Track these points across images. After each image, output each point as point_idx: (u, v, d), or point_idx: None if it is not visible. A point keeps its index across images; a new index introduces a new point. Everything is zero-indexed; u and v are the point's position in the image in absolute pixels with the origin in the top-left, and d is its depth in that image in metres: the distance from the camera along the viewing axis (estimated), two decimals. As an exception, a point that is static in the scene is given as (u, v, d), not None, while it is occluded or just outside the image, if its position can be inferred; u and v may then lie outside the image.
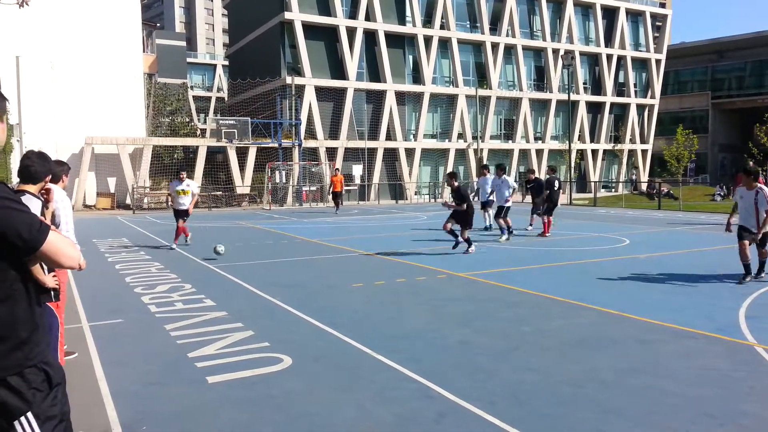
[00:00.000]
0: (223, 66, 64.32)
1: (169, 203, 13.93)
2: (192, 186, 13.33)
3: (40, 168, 4.13)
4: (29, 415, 1.99)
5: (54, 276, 3.66)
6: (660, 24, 51.62)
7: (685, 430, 3.92)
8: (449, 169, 40.18)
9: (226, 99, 53.95)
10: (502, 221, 14.43)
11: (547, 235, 14.98)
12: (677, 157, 44.75)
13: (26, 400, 1.98)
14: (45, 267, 3.50)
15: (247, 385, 4.75)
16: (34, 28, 27.74)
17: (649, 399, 4.44)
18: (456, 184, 11.91)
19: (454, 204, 11.80)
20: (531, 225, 16.51)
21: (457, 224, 11.90)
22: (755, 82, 58.04)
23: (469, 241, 11.95)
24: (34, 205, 3.83)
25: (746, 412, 4.20)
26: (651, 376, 4.93)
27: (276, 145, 32.72)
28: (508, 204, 14.61)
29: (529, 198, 18.10)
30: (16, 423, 1.96)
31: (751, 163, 17.55)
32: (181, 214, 13.09)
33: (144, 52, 36.71)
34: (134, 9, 32.26)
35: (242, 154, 32.38)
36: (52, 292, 3.84)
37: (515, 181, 21.90)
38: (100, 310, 7.38)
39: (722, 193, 37.13)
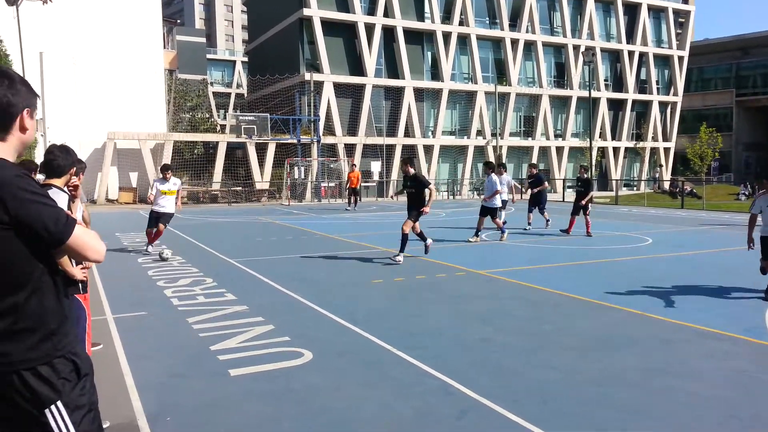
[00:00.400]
0: (243, 62, 64.70)
1: (149, 201, 11.87)
2: (178, 185, 11.75)
3: (63, 161, 4.16)
4: (59, 404, 2.01)
5: (83, 269, 3.71)
6: (683, 20, 50.82)
7: (712, 432, 3.85)
8: (468, 166, 40.04)
9: (245, 95, 54.28)
10: (495, 221, 13.75)
11: (570, 233, 14.77)
12: (700, 155, 44.09)
13: (56, 390, 2.01)
14: (73, 260, 3.54)
15: (268, 378, 4.78)
16: (57, 25, 28.13)
17: (675, 400, 4.37)
18: (412, 170, 10.85)
19: (425, 209, 10.54)
20: (548, 222, 16.20)
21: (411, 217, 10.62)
22: (782, 79, 56.88)
23: (405, 240, 10.56)
24: (61, 199, 3.87)
25: (775, 415, 4.11)
26: (676, 376, 4.86)
27: (295, 141, 32.86)
28: (496, 204, 13.72)
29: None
30: (46, 411, 1.99)
31: None
32: (162, 218, 11.47)
33: (164, 48, 37.05)
34: (155, 6, 32.58)
35: (261, 149, 32.58)
36: (80, 285, 3.90)
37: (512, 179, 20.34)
38: (124, 303, 7.47)
39: (746, 192, 36.48)
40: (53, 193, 3.84)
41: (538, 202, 16.23)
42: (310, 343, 5.70)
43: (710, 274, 9.52)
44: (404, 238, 10.58)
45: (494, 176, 13.80)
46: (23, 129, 2.07)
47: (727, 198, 35.30)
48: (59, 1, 26.08)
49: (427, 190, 10.69)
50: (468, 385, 4.60)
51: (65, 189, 4.17)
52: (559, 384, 4.69)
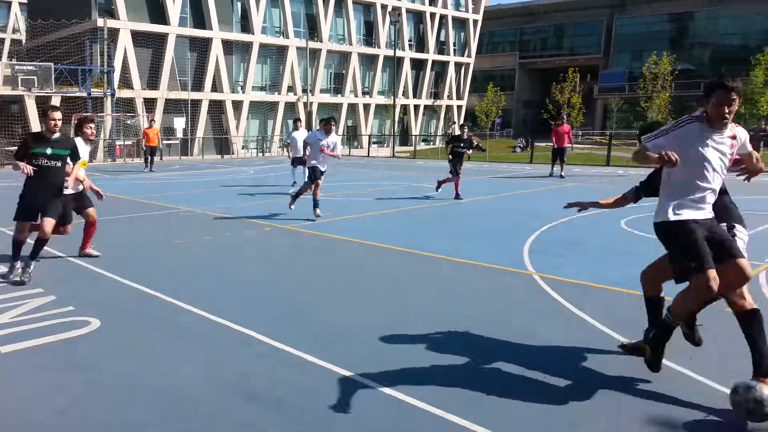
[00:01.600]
0: (21, 4, 55.84)
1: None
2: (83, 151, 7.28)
3: None
4: None
5: None
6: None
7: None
8: (279, 122, 39.57)
9: (23, 41, 47.25)
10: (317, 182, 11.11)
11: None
12: (486, 112, 48.75)
13: None
14: None
15: (48, 351, 4.48)
16: None
17: (460, 326, 5.01)
18: (56, 118, 6.53)
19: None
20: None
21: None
22: (555, 43, 64.81)
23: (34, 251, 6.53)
24: None
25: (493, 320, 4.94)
26: (461, 303, 5.56)
27: (84, 94, 29.62)
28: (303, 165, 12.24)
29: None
30: None
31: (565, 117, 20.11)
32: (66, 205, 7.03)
33: None
34: None
35: (43, 104, 28.85)
36: None
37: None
38: None
39: (521, 145, 41.61)
40: None
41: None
42: (98, 310, 5.40)
43: (489, 216, 10.81)
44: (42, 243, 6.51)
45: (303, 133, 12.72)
46: None
47: (506, 150, 39.87)
48: None
49: (78, 165, 6.92)
50: (265, 334, 4.77)
51: None
52: (352, 327, 5.11)
